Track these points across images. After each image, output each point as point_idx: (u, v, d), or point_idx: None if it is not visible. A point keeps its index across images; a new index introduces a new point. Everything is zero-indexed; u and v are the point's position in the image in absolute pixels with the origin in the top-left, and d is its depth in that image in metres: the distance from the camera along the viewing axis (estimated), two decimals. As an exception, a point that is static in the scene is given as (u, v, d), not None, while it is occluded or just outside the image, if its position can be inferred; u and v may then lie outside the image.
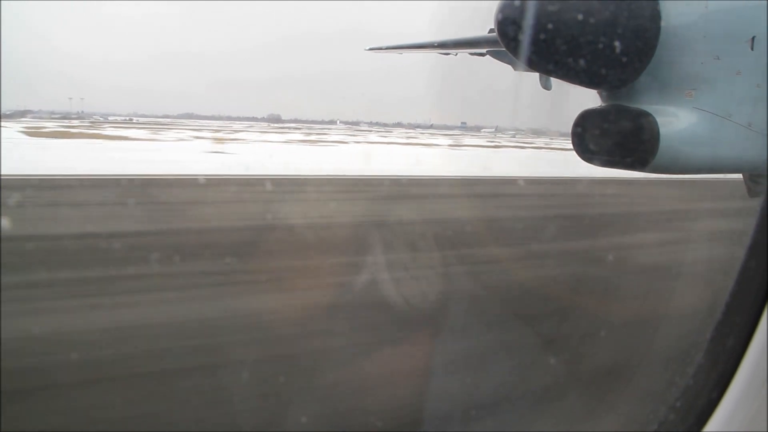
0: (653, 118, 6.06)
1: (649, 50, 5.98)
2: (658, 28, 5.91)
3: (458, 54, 13.55)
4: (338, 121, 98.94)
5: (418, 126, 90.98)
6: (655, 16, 5.90)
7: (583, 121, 6.93)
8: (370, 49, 16.00)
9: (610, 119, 6.58)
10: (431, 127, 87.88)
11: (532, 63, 6.29)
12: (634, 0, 5.88)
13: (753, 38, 5.97)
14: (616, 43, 5.79)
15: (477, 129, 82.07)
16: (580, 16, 5.64)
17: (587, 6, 5.67)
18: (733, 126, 6.10)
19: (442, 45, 13.20)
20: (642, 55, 6.02)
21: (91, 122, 68.35)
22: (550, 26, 5.65)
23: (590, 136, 6.84)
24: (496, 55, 11.74)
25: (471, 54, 13.27)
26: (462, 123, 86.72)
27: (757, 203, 8.22)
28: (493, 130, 78.51)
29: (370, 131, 76.54)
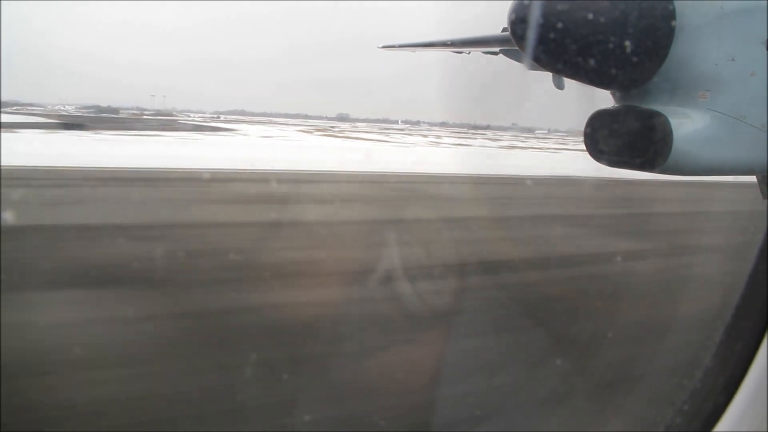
0: (666, 119, 6.01)
1: (663, 51, 5.92)
2: (672, 29, 5.86)
3: (471, 53, 13.48)
4: (399, 121, 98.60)
5: (476, 126, 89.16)
6: (670, 17, 5.85)
7: (595, 121, 6.89)
8: (383, 47, 15.96)
9: (623, 120, 6.53)
10: (488, 127, 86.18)
11: (544, 62, 6.26)
12: (647, 0, 5.84)
13: None
14: (630, 43, 5.74)
15: (530, 130, 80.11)
16: (594, 16, 5.60)
17: (601, 6, 5.63)
18: (747, 128, 6.04)
19: (455, 43, 13.14)
20: (656, 56, 5.97)
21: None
22: (563, 26, 5.62)
23: (603, 137, 6.79)
24: (509, 53, 11.68)
25: (484, 53, 13.20)
26: (513, 124, 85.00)
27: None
28: (546, 131, 77.36)
29: (449, 133, 75.76)
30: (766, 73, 5.92)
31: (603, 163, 6.92)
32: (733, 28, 5.93)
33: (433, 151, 45.25)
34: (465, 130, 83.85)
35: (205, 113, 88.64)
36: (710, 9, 5.92)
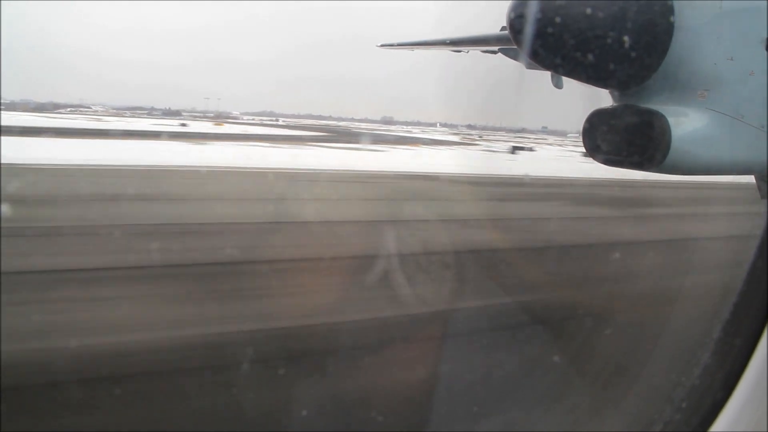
0: (665, 118, 6.01)
1: (662, 49, 5.93)
2: (670, 27, 5.87)
3: (469, 51, 13.49)
4: (438, 124, 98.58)
5: (510, 130, 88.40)
6: (668, 15, 5.85)
7: (593, 120, 6.89)
8: (382, 46, 15.97)
9: (621, 119, 6.53)
10: (522, 131, 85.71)
11: (544, 61, 6.27)
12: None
13: (767, 39, 5.91)
14: (628, 42, 5.75)
15: (563, 134, 79.35)
16: (592, 15, 5.60)
17: (599, 4, 5.63)
18: (745, 127, 6.04)
19: (454, 42, 13.15)
20: (654, 54, 5.97)
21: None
22: (561, 24, 5.62)
23: (601, 136, 6.79)
24: (507, 52, 11.70)
25: (483, 52, 13.22)
26: (543, 127, 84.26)
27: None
28: (577, 134, 77.06)
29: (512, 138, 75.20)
30: (765, 73, 5.93)
31: (600, 162, 6.93)
32: (732, 27, 5.93)
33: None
34: (503, 133, 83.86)
35: (233, 114, 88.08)
36: (709, 8, 5.92)
